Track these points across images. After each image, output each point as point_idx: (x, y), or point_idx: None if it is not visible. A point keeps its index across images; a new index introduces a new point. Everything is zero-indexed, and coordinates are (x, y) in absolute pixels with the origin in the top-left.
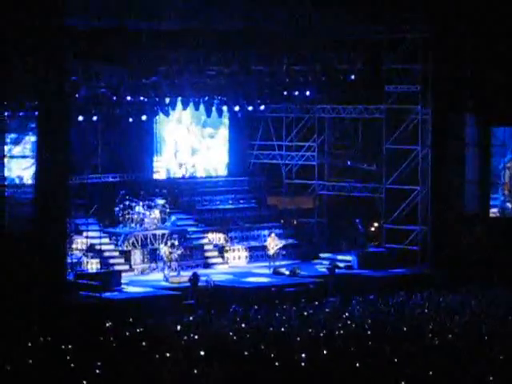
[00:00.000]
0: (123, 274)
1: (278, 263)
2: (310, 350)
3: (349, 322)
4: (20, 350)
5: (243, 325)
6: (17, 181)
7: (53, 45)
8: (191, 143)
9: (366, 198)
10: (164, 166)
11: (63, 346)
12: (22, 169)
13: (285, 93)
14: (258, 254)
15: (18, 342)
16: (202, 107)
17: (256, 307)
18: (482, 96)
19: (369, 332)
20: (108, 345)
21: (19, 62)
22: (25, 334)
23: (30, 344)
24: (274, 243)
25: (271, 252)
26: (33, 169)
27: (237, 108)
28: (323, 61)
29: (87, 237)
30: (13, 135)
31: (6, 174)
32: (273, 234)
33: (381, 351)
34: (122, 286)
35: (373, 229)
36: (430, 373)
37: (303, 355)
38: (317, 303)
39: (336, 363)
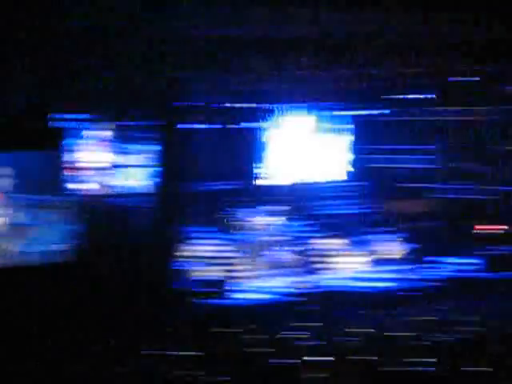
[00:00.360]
0: (243, 281)
1: (399, 267)
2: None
3: None
4: (138, 358)
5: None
6: (135, 189)
7: (169, 54)
8: (309, 147)
9: (483, 200)
10: (281, 171)
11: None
12: (139, 177)
13: (398, 97)
14: (377, 258)
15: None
16: (319, 112)
17: (373, 311)
18: None
19: None
20: (227, 353)
21: (135, 71)
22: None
23: (144, 352)
24: (394, 248)
25: (392, 257)
26: (149, 177)
27: (356, 112)
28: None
29: (205, 244)
30: (131, 143)
31: (122, 182)
32: (392, 239)
33: None
34: (243, 293)
35: (495, 231)
36: None
37: None
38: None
39: None
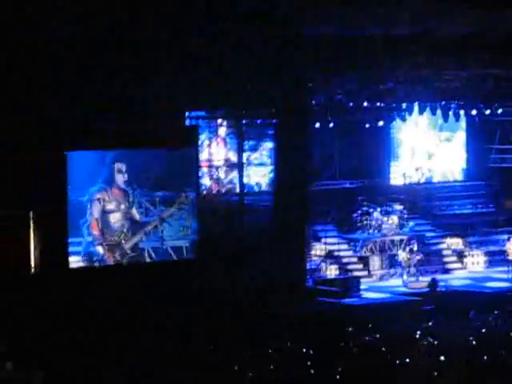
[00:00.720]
0: (362, 280)
1: None
2: None
3: None
4: (262, 356)
5: (483, 330)
6: (255, 188)
7: (290, 53)
8: (427, 147)
9: None
10: (400, 171)
11: (304, 351)
12: (260, 176)
13: None
14: (497, 258)
15: (260, 348)
16: (438, 111)
17: (496, 312)
18: None
19: None
20: (348, 350)
21: (256, 71)
22: (268, 341)
23: (272, 350)
24: None
25: (511, 256)
26: (270, 176)
27: (474, 112)
28: None
29: (326, 243)
30: (251, 142)
31: (245, 181)
32: None
33: None
34: (361, 292)
35: None
36: None
37: None
38: None
39: None
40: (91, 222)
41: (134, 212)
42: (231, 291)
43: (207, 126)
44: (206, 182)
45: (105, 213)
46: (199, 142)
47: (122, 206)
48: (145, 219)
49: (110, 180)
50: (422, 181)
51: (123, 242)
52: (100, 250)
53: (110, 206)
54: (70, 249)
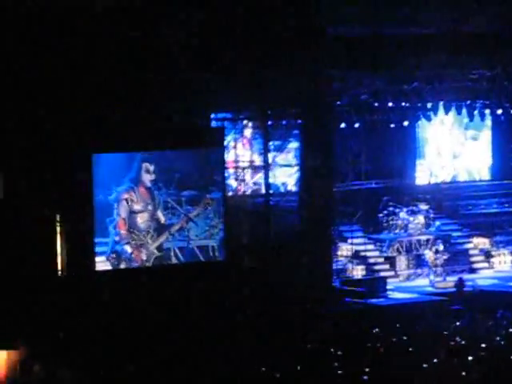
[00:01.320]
0: (388, 280)
1: None
2: None
3: None
4: (288, 356)
5: (510, 329)
6: (281, 189)
7: (315, 53)
8: (453, 146)
9: None
10: (426, 170)
11: (332, 351)
12: (286, 176)
13: None
14: None
15: (285, 349)
16: (464, 111)
17: None
18: None
19: None
20: (375, 351)
21: (281, 71)
22: (292, 340)
23: (297, 350)
24: None
25: None
26: (296, 176)
27: (500, 111)
28: None
29: (352, 243)
30: (276, 142)
31: (271, 181)
32: None
33: None
34: (388, 292)
35: None
36: None
37: None
38: None
39: None
40: (118, 221)
41: (160, 214)
42: (258, 292)
43: (233, 127)
44: (231, 183)
45: (132, 213)
46: (225, 143)
47: (149, 207)
48: (169, 221)
49: (137, 179)
50: (448, 179)
51: (149, 242)
52: (128, 249)
53: (137, 207)
54: (97, 249)
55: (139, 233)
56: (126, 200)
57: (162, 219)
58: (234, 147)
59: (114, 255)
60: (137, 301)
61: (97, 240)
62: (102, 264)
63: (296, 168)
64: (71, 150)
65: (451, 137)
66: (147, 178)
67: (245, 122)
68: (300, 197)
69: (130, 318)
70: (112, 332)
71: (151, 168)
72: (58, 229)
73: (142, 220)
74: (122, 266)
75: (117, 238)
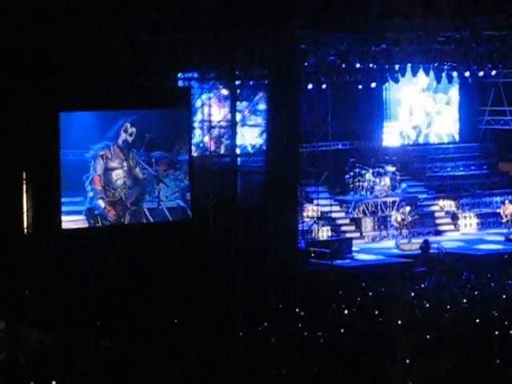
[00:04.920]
0: (354, 242)
1: (511, 230)
2: None
3: None
4: (256, 318)
5: (475, 292)
6: (249, 149)
7: (283, 14)
8: (425, 107)
9: None
10: (394, 132)
11: (296, 312)
12: (253, 137)
13: None
14: (489, 220)
15: (255, 310)
16: (431, 73)
17: (489, 275)
18: None
19: None
20: (339, 312)
21: (249, 31)
22: (259, 303)
23: (264, 312)
24: (507, 210)
25: (505, 219)
26: (264, 137)
27: (467, 74)
28: None
29: (318, 205)
30: (244, 103)
31: (239, 142)
32: (507, 202)
33: None
34: (353, 254)
35: None
36: None
37: None
38: None
39: None
40: (94, 177)
41: (137, 170)
42: (225, 252)
43: (200, 87)
44: (206, 143)
45: (107, 170)
46: (200, 103)
47: (124, 164)
48: (144, 177)
49: (114, 138)
50: (421, 140)
51: (123, 197)
52: (101, 204)
53: (112, 164)
54: (73, 208)
55: (114, 190)
56: (102, 157)
57: (140, 176)
58: (209, 106)
59: (89, 212)
60: (104, 260)
61: (73, 199)
62: (76, 222)
63: (263, 129)
64: (39, 108)
65: (423, 97)
66: (123, 138)
67: (221, 81)
68: (266, 157)
69: (95, 278)
70: (78, 291)
71: (131, 130)
72: (25, 187)
73: (117, 177)
74: (98, 223)
75: (91, 194)
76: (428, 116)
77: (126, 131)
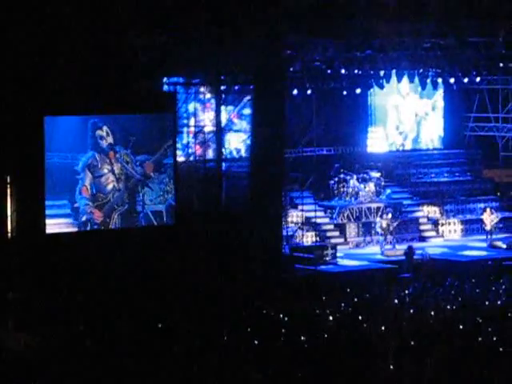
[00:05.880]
0: (338, 247)
1: (494, 236)
2: None
3: None
4: (240, 322)
5: (459, 298)
6: (234, 153)
7: (270, 19)
8: (410, 113)
9: None
10: (379, 138)
11: (280, 317)
12: (239, 142)
13: (501, 64)
14: (473, 227)
15: (239, 315)
16: (416, 79)
17: (472, 281)
18: None
19: None
20: (324, 317)
21: (235, 36)
22: (243, 308)
23: (249, 316)
24: (490, 217)
25: (488, 226)
26: (248, 142)
27: (452, 80)
28: None
29: (302, 210)
30: (229, 108)
31: (224, 146)
32: (488, 209)
33: None
34: (337, 259)
35: None
36: None
37: None
38: None
39: None
40: (81, 188)
41: (125, 172)
42: (209, 257)
43: (185, 92)
44: (191, 148)
45: (96, 177)
46: (187, 107)
47: (111, 167)
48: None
49: (95, 144)
50: (408, 146)
51: (112, 199)
52: (87, 209)
53: (101, 170)
54: (58, 211)
55: (105, 195)
56: (89, 167)
57: (128, 177)
58: (193, 111)
59: (77, 218)
60: (88, 264)
61: (57, 203)
62: (61, 226)
63: (248, 134)
64: (23, 111)
65: (407, 103)
66: (104, 143)
67: (207, 86)
68: (251, 163)
69: (80, 281)
70: (62, 294)
71: (106, 132)
72: (9, 190)
73: (106, 182)
74: (86, 227)
75: (79, 203)
76: (414, 121)
77: (102, 138)
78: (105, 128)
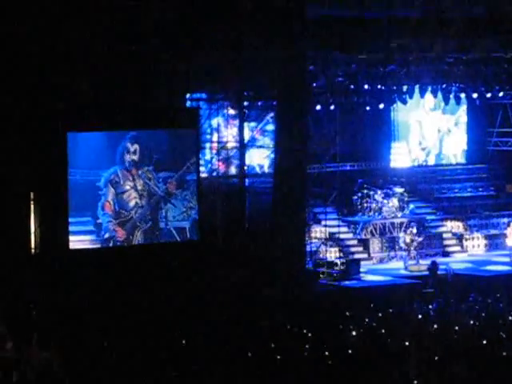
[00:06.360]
0: (362, 263)
1: None
2: None
3: None
4: (267, 338)
5: (483, 314)
6: (257, 169)
7: (294, 34)
8: (432, 129)
9: None
10: (402, 153)
11: (303, 333)
12: (262, 158)
13: None
14: (497, 242)
15: (263, 332)
16: (439, 94)
17: (497, 295)
18: None
19: None
20: (347, 333)
21: (258, 51)
22: (270, 324)
23: (274, 332)
24: None
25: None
26: (271, 158)
27: (475, 95)
28: None
29: (326, 225)
30: (252, 124)
31: (247, 162)
32: None
33: None
34: (361, 275)
35: None
36: None
37: None
38: None
39: None
40: (104, 203)
41: (147, 189)
42: (233, 273)
43: (208, 108)
44: (214, 164)
45: (118, 194)
46: (210, 124)
47: (134, 184)
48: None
49: (120, 161)
50: (432, 161)
51: (134, 216)
52: (110, 226)
53: (123, 187)
54: (81, 228)
55: (127, 211)
56: (111, 182)
57: (151, 193)
58: (217, 127)
59: (100, 235)
60: (111, 280)
61: (80, 219)
62: (84, 242)
63: (271, 149)
64: (46, 128)
65: (430, 118)
66: (128, 159)
67: (230, 102)
68: (274, 178)
69: (104, 298)
70: (85, 312)
71: (133, 148)
72: (32, 207)
73: (128, 198)
74: (108, 244)
75: (102, 219)
76: (437, 137)
77: (128, 152)
78: (135, 144)
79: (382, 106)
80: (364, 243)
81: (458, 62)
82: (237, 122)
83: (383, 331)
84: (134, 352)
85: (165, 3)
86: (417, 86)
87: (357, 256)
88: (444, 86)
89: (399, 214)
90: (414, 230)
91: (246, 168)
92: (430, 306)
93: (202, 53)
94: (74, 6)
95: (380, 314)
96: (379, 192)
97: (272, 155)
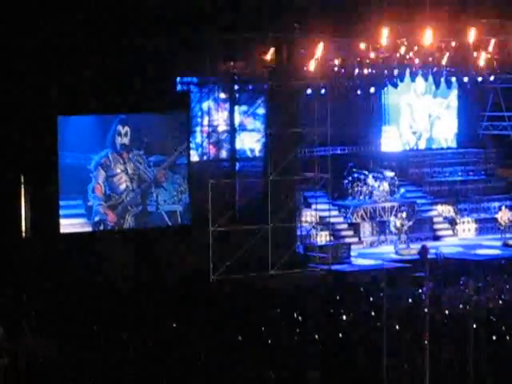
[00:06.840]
0: (352, 247)
1: (508, 236)
2: None
3: None
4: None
5: (474, 297)
6: (248, 153)
7: (283, 18)
8: (423, 113)
9: None
10: (392, 137)
11: (294, 317)
12: (253, 141)
13: None
14: (487, 226)
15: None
16: (430, 78)
17: (487, 279)
18: None
19: None
20: (338, 317)
21: (249, 35)
22: (255, 306)
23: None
24: (505, 216)
25: (503, 225)
26: (262, 142)
27: (466, 79)
28: None
29: (316, 209)
30: (243, 107)
31: (238, 146)
32: (502, 207)
33: None
34: (352, 259)
35: None
36: None
37: None
38: None
39: None
40: (95, 186)
41: (138, 173)
42: (223, 256)
43: (199, 92)
44: (205, 148)
45: (109, 177)
46: (200, 107)
47: (125, 167)
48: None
49: (111, 144)
50: (421, 146)
51: (125, 200)
52: (101, 209)
53: (114, 170)
54: (72, 211)
55: (118, 195)
56: (102, 165)
57: (141, 177)
58: (207, 111)
59: (91, 218)
60: (101, 264)
61: (71, 203)
62: (75, 226)
63: (262, 133)
64: (37, 112)
65: (421, 102)
66: (120, 142)
67: (219, 85)
68: (265, 162)
69: (94, 281)
70: (77, 295)
71: (124, 130)
72: (23, 190)
73: (119, 182)
74: (99, 227)
75: (92, 202)
76: (429, 120)
77: (119, 134)
78: (126, 127)
79: (372, 89)
80: (354, 227)
81: (449, 46)
82: (227, 105)
83: (373, 315)
84: (126, 335)
85: None
86: (407, 70)
87: (347, 240)
88: (435, 69)
89: (390, 198)
90: (405, 214)
91: (236, 152)
92: (421, 290)
93: (192, 36)
94: None
95: (370, 298)
96: (370, 176)
97: (263, 139)
